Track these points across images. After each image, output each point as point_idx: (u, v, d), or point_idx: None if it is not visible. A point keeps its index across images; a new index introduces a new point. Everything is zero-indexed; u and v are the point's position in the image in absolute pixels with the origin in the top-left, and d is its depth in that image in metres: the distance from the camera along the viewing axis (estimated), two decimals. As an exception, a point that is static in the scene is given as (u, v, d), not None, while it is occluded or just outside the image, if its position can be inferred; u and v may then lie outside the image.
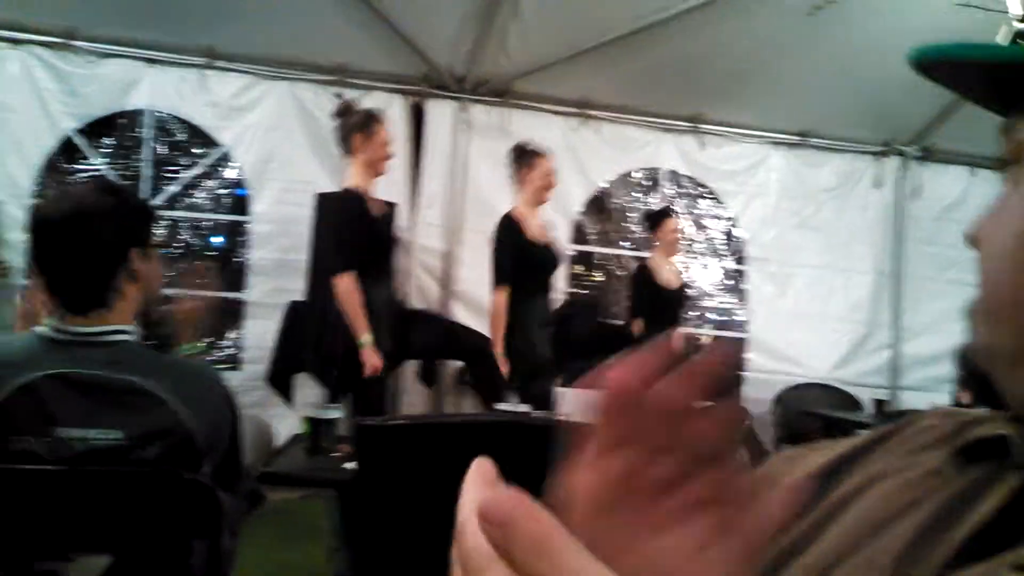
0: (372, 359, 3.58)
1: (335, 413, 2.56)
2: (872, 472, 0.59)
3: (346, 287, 3.64)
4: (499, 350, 4.06)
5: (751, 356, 5.93)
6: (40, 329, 1.71)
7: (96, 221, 1.71)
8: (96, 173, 5.27)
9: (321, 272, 3.69)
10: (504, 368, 4.02)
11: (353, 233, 3.71)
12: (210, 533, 1.70)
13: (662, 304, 4.87)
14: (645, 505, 0.38)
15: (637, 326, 4.96)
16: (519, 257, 4.17)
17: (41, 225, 1.71)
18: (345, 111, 3.76)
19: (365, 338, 3.63)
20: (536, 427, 1.53)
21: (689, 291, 4.82)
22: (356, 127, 3.72)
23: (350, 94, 5.33)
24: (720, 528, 0.37)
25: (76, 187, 1.77)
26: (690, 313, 6.03)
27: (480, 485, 0.36)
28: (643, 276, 5.05)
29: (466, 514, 0.35)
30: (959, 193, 6.08)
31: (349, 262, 3.64)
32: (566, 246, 5.50)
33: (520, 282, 4.17)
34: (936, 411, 0.63)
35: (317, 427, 2.52)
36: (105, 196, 1.74)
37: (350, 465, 2.38)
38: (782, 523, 0.39)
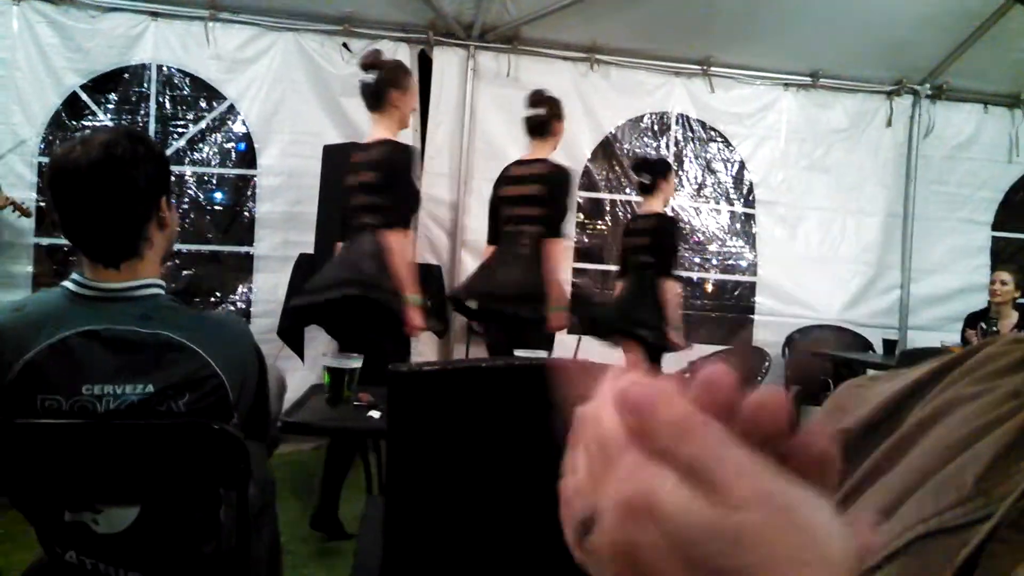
0: (416, 319, 3.56)
1: (355, 362, 2.56)
2: (946, 398, 0.59)
3: (404, 243, 3.61)
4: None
5: (761, 299, 5.94)
6: (68, 284, 1.67)
7: (130, 167, 1.65)
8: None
9: (349, 224, 3.62)
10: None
11: (414, 189, 3.72)
12: (238, 484, 1.71)
13: (627, 250, 4.78)
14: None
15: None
16: None
17: (69, 174, 1.63)
18: (374, 63, 3.66)
19: (414, 297, 3.60)
20: (570, 371, 1.54)
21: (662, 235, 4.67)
22: (391, 82, 3.64)
23: (356, 43, 5.28)
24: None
25: (97, 133, 1.66)
26: (699, 257, 6.02)
27: (615, 381, 0.36)
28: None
29: (600, 403, 0.35)
30: (971, 131, 6.03)
31: (408, 218, 3.64)
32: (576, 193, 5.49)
33: None
34: (1002, 339, 0.64)
35: (337, 377, 2.53)
36: (133, 142, 1.67)
37: (375, 413, 2.41)
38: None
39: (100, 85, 5.19)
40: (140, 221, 1.70)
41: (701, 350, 5.02)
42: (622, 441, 0.33)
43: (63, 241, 5.32)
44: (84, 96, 5.12)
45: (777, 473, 0.31)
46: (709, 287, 6.25)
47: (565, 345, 4.99)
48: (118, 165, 1.64)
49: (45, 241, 5.15)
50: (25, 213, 4.76)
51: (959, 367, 0.62)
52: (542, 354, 3.32)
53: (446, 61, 5.43)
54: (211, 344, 1.67)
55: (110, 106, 5.25)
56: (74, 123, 5.21)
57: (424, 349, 5.40)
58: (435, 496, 1.53)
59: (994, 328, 5.32)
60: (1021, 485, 0.47)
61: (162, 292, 1.73)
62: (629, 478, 0.32)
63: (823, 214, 5.94)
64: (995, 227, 6.13)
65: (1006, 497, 0.47)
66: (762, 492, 0.30)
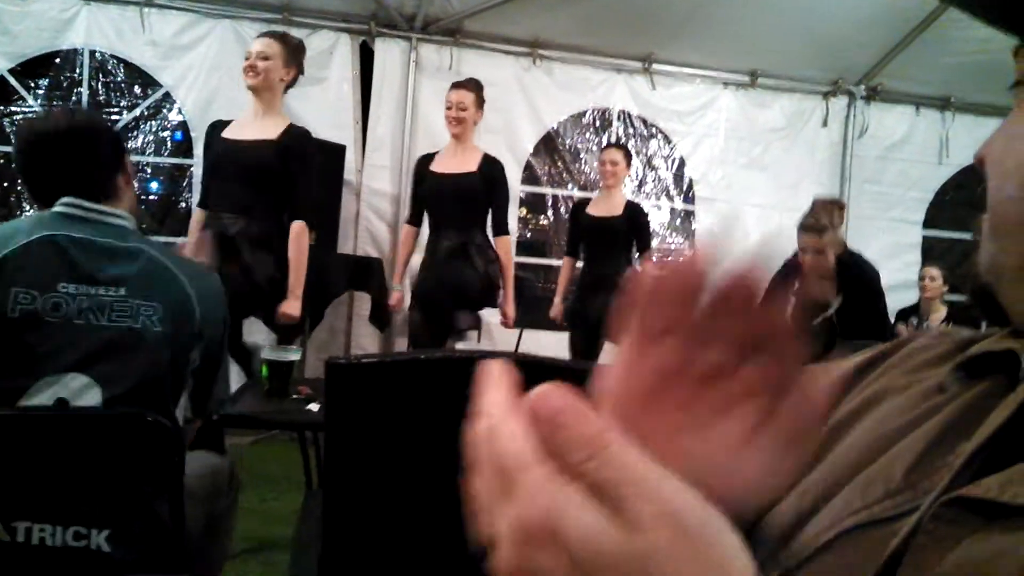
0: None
1: (293, 355, 2.54)
2: (874, 391, 0.60)
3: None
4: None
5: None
6: (57, 207, 1.77)
7: (93, 130, 1.86)
8: (32, 114, 5.09)
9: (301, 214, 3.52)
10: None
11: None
12: (173, 483, 1.69)
13: (591, 235, 4.89)
14: (689, 397, 0.37)
15: (568, 262, 4.99)
16: None
17: (43, 139, 1.79)
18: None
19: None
20: (518, 365, 1.54)
21: (640, 219, 4.76)
22: None
23: (296, 33, 5.20)
24: (766, 418, 0.37)
25: (53, 112, 2.09)
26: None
27: (501, 388, 0.35)
28: (574, 211, 5.06)
29: (495, 417, 0.34)
30: (904, 132, 6.17)
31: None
32: (517, 187, 5.49)
33: None
34: (929, 333, 0.65)
35: (275, 369, 2.50)
36: (88, 115, 2.02)
37: (313, 407, 2.38)
38: (826, 411, 0.38)
39: (30, 70, 5.04)
40: (110, 171, 1.85)
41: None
42: (525, 457, 0.32)
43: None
44: (12, 80, 4.96)
45: (684, 490, 0.30)
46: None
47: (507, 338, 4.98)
48: (84, 128, 1.83)
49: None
50: None
51: (889, 359, 0.64)
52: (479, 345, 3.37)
53: (388, 53, 5.38)
54: (183, 269, 1.78)
55: (40, 91, 5.10)
56: (1, 108, 5.06)
57: (365, 343, 5.36)
58: (374, 489, 1.52)
59: (925, 323, 5.46)
60: (946, 478, 0.48)
61: (131, 226, 1.83)
62: (532, 498, 0.31)
63: (761, 211, 6.02)
64: (925, 225, 6.28)
65: (932, 490, 0.48)
66: (668, 513, 0.29)
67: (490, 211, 4.13)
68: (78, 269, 1.66)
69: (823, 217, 3.83)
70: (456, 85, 4.19)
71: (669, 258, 0.38)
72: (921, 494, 0.49)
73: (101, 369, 1.65)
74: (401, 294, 4.47)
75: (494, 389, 0.35)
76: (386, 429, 1.49)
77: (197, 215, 3.64)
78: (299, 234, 3.37)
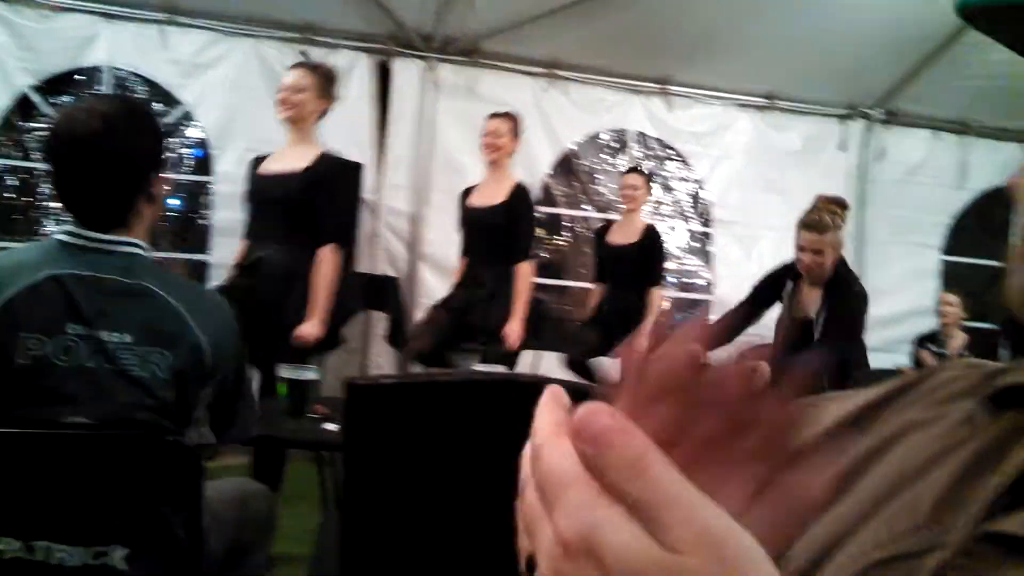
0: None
1: (312, 374, 2.54)
2: (900, 423, 0.60)
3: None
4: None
5: (716, 317, 5.99)
6: (60, 235, 1.71)
7: (126, 141, 1.72)
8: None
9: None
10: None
11: None
12: (191, 503, 1.68)
13: (609, 264, 4.88)
14: (682, 466, 0.37)
15: (596, 290, 4.98)
16: None
17: (68, 142, 1.69)
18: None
19: None
20: (531, 386, 1.53)
21: (656, 248, 4.78)
22: None
23: (315, 52, 5.24)
24: (757, 493, 0.36)
25: (99, 102, 1.82)
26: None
27: (555, 409, 0.35)
28: (598, 237, 5.07)
29: (543, 436, 0.34)
30: (921, 156, 6.13)
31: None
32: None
33: None
34: (956, 363, 0.64)
35: (294, 389, 2.50)
36: (132, 115, 1.75)
37: (331, 426, 2.38)
38: (823, 498, 0.38)
39: (52, 87, 5.10)
40: (131, 194, 1.75)
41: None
42: (569, 475, 0.32)
43: (12, 244, 5.22)
44: (35, 97, 5.02)
45: (723, 516, 0.30)
46: (665, 304, 6.29)
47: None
48: (116, 138, 1.70)
49: (-10, 244, 5.04)
50: None
51: (913, 390, 0.63)
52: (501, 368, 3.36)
53: (406, 73, 5.41)
54: (189, 303, 1.70)
55: (63, 108, 5.15)
56: (24, 124, 5.12)
57: (381, 362, 5.36)
58: (392, 510, 1.51)
59: (944, 349, 5.42)
60: (975, 513, 0.47)
61: (143, 253, 1.75)
62: (574, 514, 0.31)
63: (778, 234, 5.98)
64: (944, 251, 6.24)
65: (961, 525, 0.47)
66: (707, 538, 0.29)
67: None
68: (84, 311, 1.61)
69: (825, 215, 3.69)
70: (494, 115, 4.27)
71: (664, 334, 0.38)
72: (949, 529, 0.48)
73: (106, 413, 1.62)
74: None
75: (546, 412, 0.35)
76: (406, 450, 1.49)
77: (240, 246, 3.66)
78: (326, 258, 3.35)
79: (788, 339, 3.74)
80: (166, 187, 1.88)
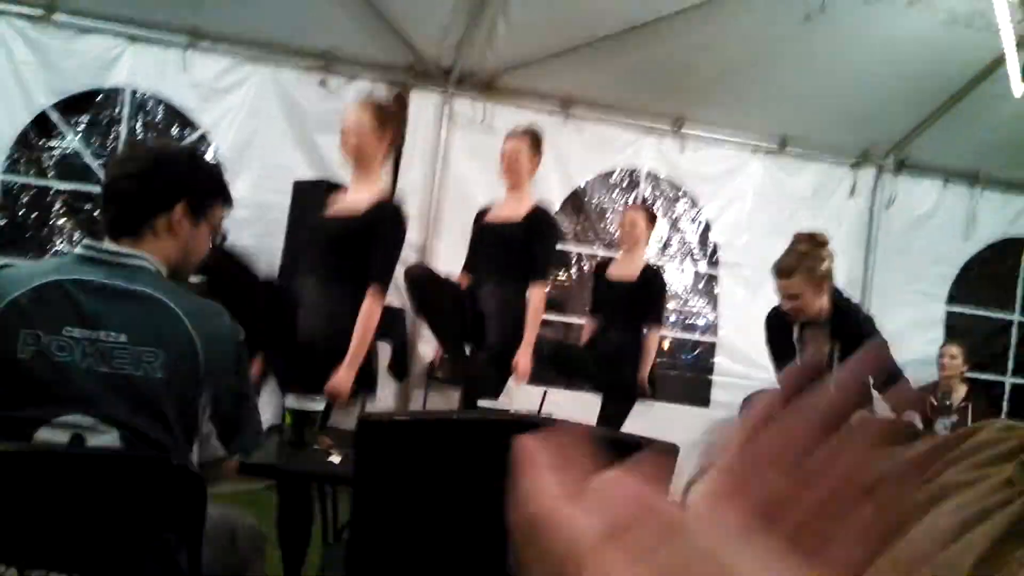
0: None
1: (318, 405, 2.52)
2: (939, 485, 0.59)
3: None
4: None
5: (720, 359, 5.98)
6: (75, 249, 1.81)
7: (158, 164, 1.90)
8: (70, 150, 5.19)
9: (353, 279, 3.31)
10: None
11: None
12: (192, 529, 1.67)
13: (606, 300, 4.83)
14: (786, 539, 0.35)
15: (588, 323, 4.95)
16: None
17: (112, 159, 1.87)
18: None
19: None
20: (541, 427, 1.53)
21: (655, 286, 4.73)
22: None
23: (334, 80, 5.30)
24: (860, 567, 0.35)
25: (161, 139, 1.98)
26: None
27: (553, 470, 0.34)
28: (595, 272, 5.03)
29: (551, 501, 0.33)
30: (931, 205, 6.16)
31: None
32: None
33: None
34: (992, 425, 0.64)
35: (299, 419, 2.48)
36: (182, 152, 2.04)
37: (335, 458, 2.36)
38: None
39: (72, 106, 5.14)
40: (148, 210, 1.85)
41: (659, 409, 5.00)
42: (594, 541, 0.31)
43: (24, 262, 5.24)
44: (54, 116, 5.06)
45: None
46: (666, 344, 6.28)
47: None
48: (151, 158, 1.89)
49: (3, 261, 5.05)
50: None
51: (955, 449, 0.63)
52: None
53: (422, 104, 5.46)
54: (188, 309, 1.74)
55: (80, 128, 5.20)
56: (41, 143, 5.16)
57: (383, 394, 5.33)
58: (399, 546, 1.50)
59: (947, 402, 5.40)
60: (1017, 572, 0.48)
61: (152, 268, 1.81)
62: None
63: (785, 278, 6.01)
64: (949, 301, 6.24)
65: None
66: None
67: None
68: (83, 314, 1.67)
69: (791, 257, 3.51)
70: (511, 135, 4.14)
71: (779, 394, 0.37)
72: None
73: (104, 414, 1.64)
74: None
75: (537, 469, 0.35)
76: (414, 487, 1.48)
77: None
78: (370, 304, 3.20)
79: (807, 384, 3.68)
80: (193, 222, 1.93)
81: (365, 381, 3.26)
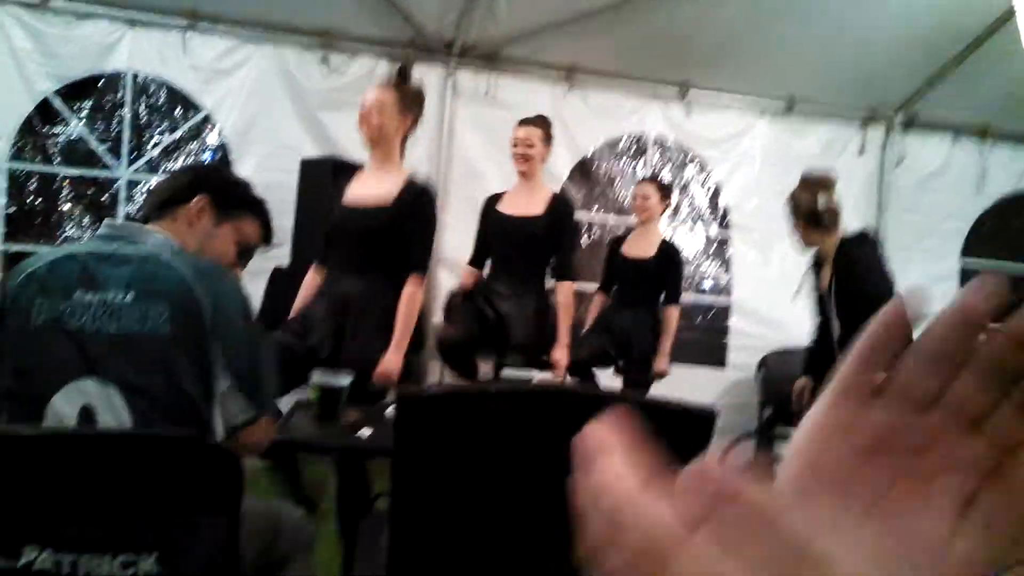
0: None
1: (344, 381, 2.53)
2: None
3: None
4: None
5: (735, 320, 5.98)
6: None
7: (189, 167, 2.19)
8: (75, 136, 5.18)
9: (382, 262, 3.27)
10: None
11: None
12: (228, 509, 1.68)
13: (622, 277, 4.80)
14: (893, 469, 0.34)
15: (598, 298, 4.91)
16: None
17: None
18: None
19: None
20: (585, 398, 1.53)
21: (673, 264, 4.68)
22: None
23: (335, 58, 5.26)
24: (972, 502, 0.34)
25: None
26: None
27: (626, 457, 0.33)
28: (610, 248, 4.94)
29: (629, 491, 0.32)
30: (941, 162, 6.12)
31: None
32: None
33: None
34: None
35: (326, 395, 2.49)
36: (219, 169, 2.20)
37: (364, 432, 2.38)
38: None
39: (74, 92, 5.13)
40: (171, 197, 1.99)
41: (676, 372, 5.00)
42: (677, 531, 0.30)
43: (32, 248, 5.25)
44: (57, 102, 5.05)
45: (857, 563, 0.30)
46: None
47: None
48: (185, 168, 2.14)
49: (14, 248, 5.07)
50: None
51: None
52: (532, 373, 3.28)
53: (425, 78, 5.36)
54: (197, 271, 1.78)
55: (83, 113, 5.19)
56: (45, 129, 5.15)
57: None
58: (440, 519, 1.51)
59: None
60: None
61: (160, 238, 1.88)
62: (691, 569, 0.30)
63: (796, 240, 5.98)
64: (963, 255, 6.21)
65: None
66: None
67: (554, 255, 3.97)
68: (93, 279, 1.72)
69: (789, 200, 3.92)
70: (523, 122, 4.02)
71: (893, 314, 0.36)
72: None
73: (117, 374, 1.67)
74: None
75: (610, 456, 0.34)
76: (454, 459, 1.49)
77: (313, 272, 3.46)
78: (412, 291, 3.17)
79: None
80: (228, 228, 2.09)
81: (411, 363, 3.25)
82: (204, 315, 1.74)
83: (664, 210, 4.80)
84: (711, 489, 0.31)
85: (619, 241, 4.84)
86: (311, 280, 3.41)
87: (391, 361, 3.10)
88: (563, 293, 3.91)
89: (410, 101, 3.35)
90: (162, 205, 1.98)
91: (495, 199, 4.12)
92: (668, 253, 4.64)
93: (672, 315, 4.60)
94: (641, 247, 4.65)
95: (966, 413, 0.34)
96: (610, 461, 0.34)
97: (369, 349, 3.12)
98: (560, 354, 3.88)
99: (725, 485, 0.30)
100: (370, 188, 3.27)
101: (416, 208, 3.20)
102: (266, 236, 2.27)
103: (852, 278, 3.60)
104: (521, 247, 3.95)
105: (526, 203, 3.95)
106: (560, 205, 3.95)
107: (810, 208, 3.81)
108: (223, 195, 2.06)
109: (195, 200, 1.99)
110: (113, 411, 1.67)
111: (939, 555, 0.33)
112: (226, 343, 1.78)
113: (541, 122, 4.00)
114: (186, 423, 1.72)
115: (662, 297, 4.64)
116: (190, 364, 1.72)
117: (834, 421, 0.36)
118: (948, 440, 0.34)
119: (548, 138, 3.99)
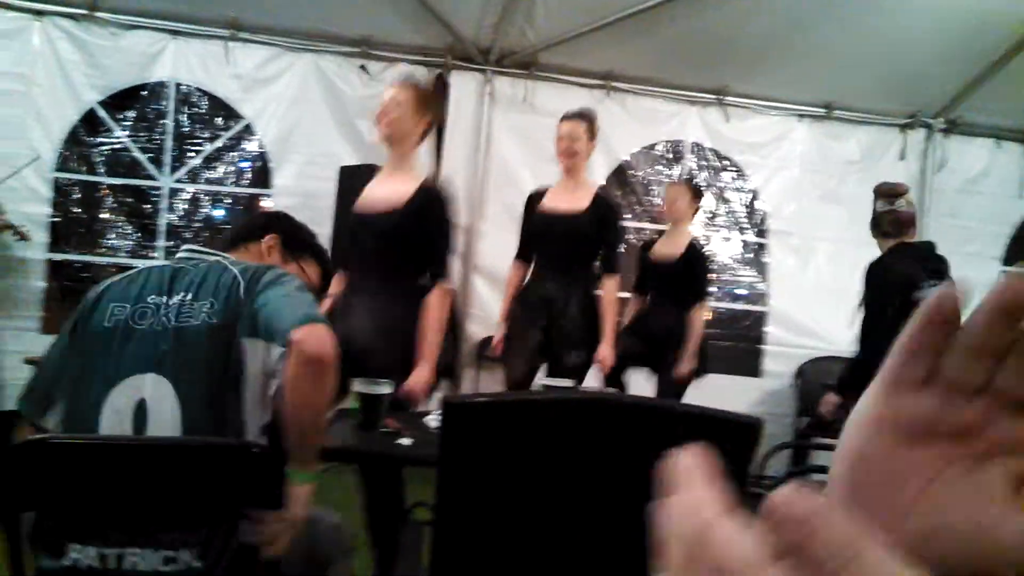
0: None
1: (385, 388, 2.54)
2: None
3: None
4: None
5: (771, 329, 5.93)
6: None
7: (269, 212, 2.45)
8: (119, 146, 5.27)
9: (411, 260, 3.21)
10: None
11: None
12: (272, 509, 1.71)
13: (652, 278, 4.75)
14: (944, 454, 0.35)
15: (634, 301, 4.87)
16: None
17: None
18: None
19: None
20: (629, 407, 1.53)
21: (699, 264, 4.64)
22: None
23: (374, 66, 5.31)
24: (1020, 487, 0.34)
25: None
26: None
27: (705, 481, 0.33)
28: (641, 250, 4.91)
29: (705, 516, 0.32)
30: (983, 166, 6.04)
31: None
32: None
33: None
34: None
35: (368, 402, 2.51)
36: (290, 218, 2.35)
37: (405, 441, 2.39)
38: None
39: (118, 102, 5.21)
40: (245, 233, 2.23)
41: (711, 380, 4.97)
42: (757, 561, 0.30)
43: (75, 257, 5.35)
44: (102, 112, 5.14)
45: None
46: (717, 316, 6.23)
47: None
48: (265, 212, 2.39)
49: (58, 257, 5.16)
50: (24, 237, 4.77)
51: None
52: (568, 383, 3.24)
53: (463, 85, 5.46)
54: (249, 268, 1.90)
55: (127, 123, 5.27)
56: (91, 139, 5.23)
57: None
58: (485, 526, 1.52)
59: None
60: None
61: (230, 259, 1.97)
62: None
63: (835, 245, 5.93)
64: (1005, 262, 6.13)
65: None
66: None
67: (600, 250, 3.93)
68: (164, 286, 1.85)
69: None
70: (567, 117, 3.95)
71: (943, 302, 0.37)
72: None
73: (169, 366, 1.74)
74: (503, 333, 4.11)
75: (696, 483, 0.34)
76: (499, 467, 1.50)
77: (336, 279, 3.33)
78: (438, 300, 3.09)
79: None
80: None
81: (443, 374, 3.18)
82: (240, 291, 1.83)
83: (695, 212, 4.78)
84: (795, 523, 0.30)
85: (649, 244, 4.82)
86: (333, 287, 3.31)
87: (421, 377, 3.00)
88: (608, 288, 3.88)
89: (428, 101, 3.29)
90: (235, 240, 2.19)
91: (538, 195, 4.05)
92: (694, 253, 4.60)
93: (697, 315, 4.55)
94: (670, 248, 4.63)
95: (1012, 398, 0.35)
96: (695, 487, 0.34)
97: (388, 360, 2.99)
98: (606, 352, 3.84)
99: (810, 519, 0.30)
100: (383, 192, 3.21)
101: (429, 212, 3.12)
102: (324, 283, 2.43)
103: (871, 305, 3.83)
104: (567, 244, 3.91)
105: (570, 199, 3.90)
106: (605, 202, 3.92)
107: (872, 214, 4.11)
108: (292, 237, 2.28)
109: (267, 238, 2.20)
110: (166, 404, 1.72)
111: (993, 536, 0.34)
112: (259, 295, 1.82)
113: (585, 117, 3.95)
114: (225, 416, 1.75)
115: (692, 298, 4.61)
116: (225, 352, 1.77)
117: (883, 412, 0.37)
118: (996, 425, 0.35)
119: (592, 133, 3.94)
